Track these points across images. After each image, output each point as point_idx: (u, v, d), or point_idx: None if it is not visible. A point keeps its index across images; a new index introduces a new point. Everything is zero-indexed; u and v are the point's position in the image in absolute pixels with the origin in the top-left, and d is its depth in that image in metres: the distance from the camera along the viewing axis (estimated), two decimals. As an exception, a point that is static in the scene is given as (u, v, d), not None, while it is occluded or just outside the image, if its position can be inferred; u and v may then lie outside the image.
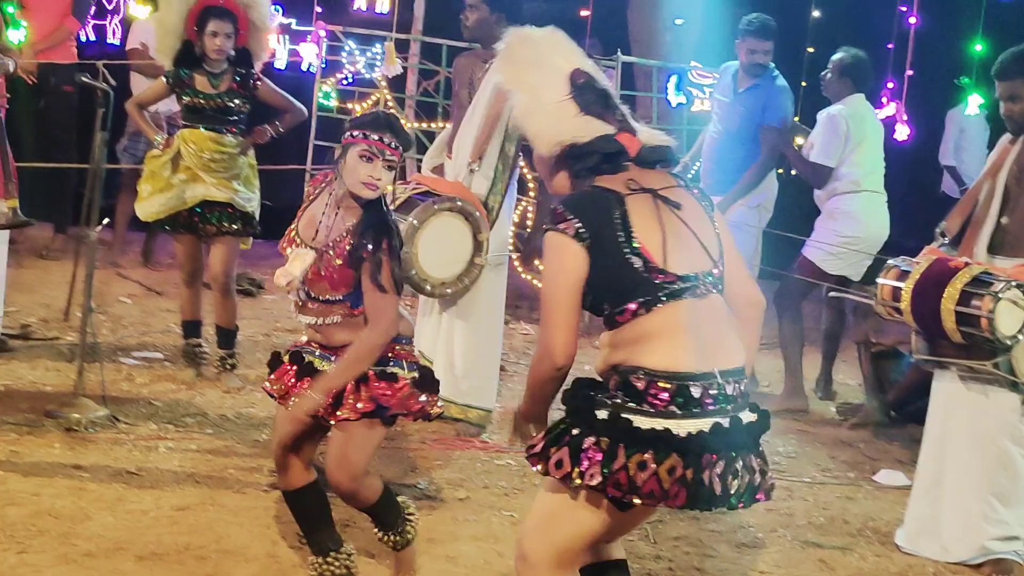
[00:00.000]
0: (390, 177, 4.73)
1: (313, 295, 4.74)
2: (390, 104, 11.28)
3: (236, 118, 7.82)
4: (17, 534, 5.21)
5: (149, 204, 7.81)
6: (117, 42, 12.98)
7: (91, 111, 7.32)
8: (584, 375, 3.99)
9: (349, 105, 11.57)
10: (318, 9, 12.08)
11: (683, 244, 3.79)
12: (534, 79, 3.99)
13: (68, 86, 10.52)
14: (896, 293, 5.89)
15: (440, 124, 10.75)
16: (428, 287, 7.12)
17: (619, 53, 11.12)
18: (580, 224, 3.75)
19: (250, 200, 7.86)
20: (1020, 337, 5.62)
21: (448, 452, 6.99)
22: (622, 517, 3.80)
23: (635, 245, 3.74)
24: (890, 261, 6.09)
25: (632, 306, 3.73)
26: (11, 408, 6.93)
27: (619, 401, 3.72)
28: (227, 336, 7.97)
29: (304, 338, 4.90)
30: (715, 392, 3.71)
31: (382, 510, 4.99)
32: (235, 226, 7.77)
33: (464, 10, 7.57)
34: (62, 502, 5.62)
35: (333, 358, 4.75)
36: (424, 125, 11.14)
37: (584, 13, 12.25)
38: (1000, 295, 5.53)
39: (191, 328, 8.09)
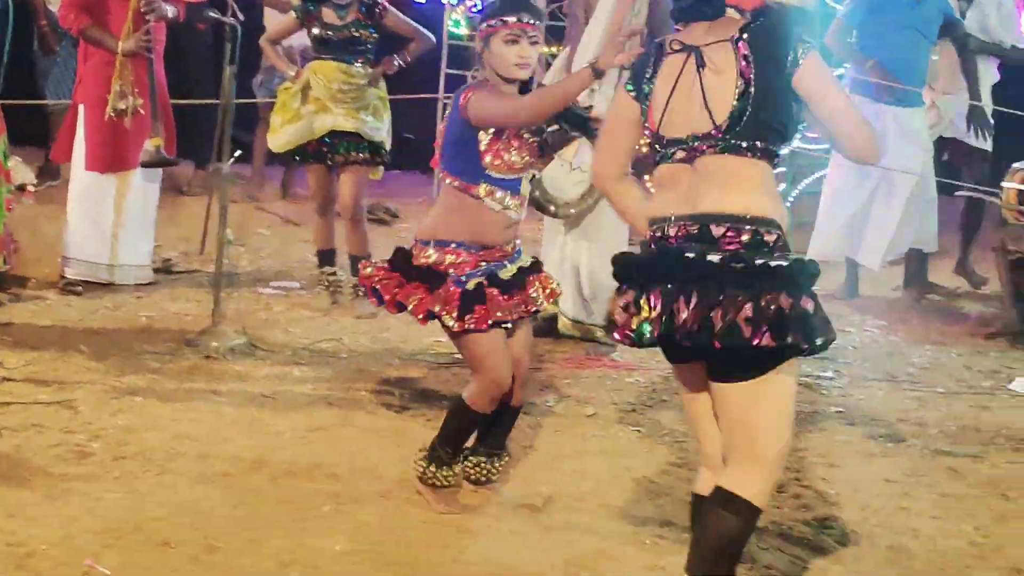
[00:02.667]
0: (536, 52, 4.88)
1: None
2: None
3: (364, 48, 7.92)
4: (156, 456, 5.37)
5: (280, 135, 7.97)
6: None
7: (224, 47, 7.48)
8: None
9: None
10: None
11: (686, 107, 3.74)
12: None
13: (201, 23, 10.68)
14: (1023, 196, 5.81)
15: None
16: (552, 208, 7.18)
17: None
18: (629, 80, 3.89)
19: (379, 130, 7.95)
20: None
21: (577, 371, 7.05)
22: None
23: (645, 107, 3.83)
24: (1015, 165, 6.01)
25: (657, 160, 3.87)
26: (153, 339, 7.14)
27: None
28: (360, 264, 8.07)
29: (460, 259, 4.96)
30: (659, 235, 3.74)
31: (512, 420, 5.21)
32: (363, 155, 7.88)
33: None
34: (199, 426, 5.78)
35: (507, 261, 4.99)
36: (554, 49, 11.13)
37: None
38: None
39: (325, 256, 8.24)
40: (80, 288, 7.99)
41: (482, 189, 4.88)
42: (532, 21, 4.82)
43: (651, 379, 6.91)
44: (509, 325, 4.97)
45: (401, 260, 5.06)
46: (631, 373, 7.04)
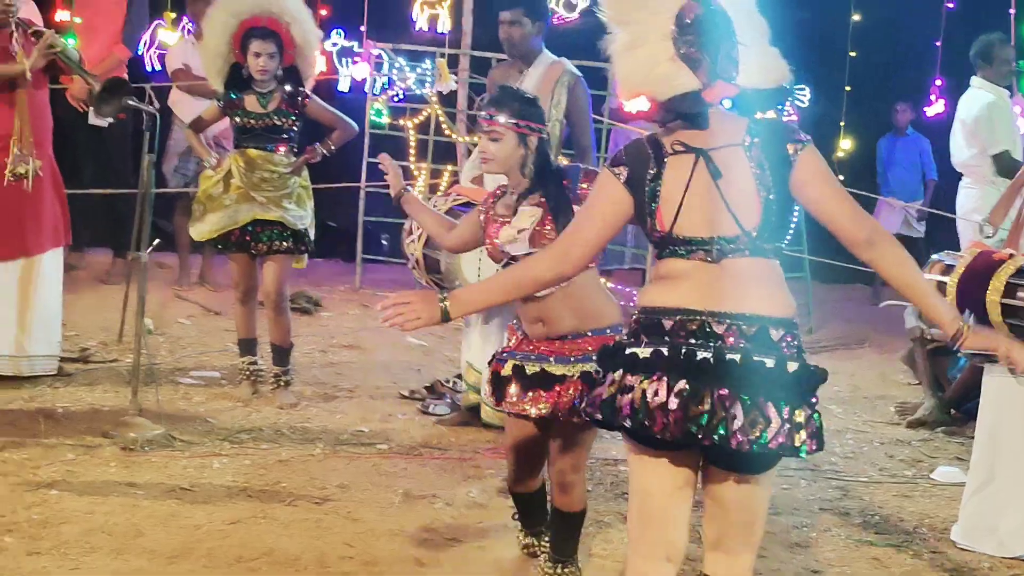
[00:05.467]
0: (494, 147, 4.96)
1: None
2: (442, 120, 11.34)
3: (286, 136, 7.90)
4: (71, 551, 5.26)
5: (202, 224, 7.91)
6: (156, 69, 13.02)
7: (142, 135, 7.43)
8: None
9: (401, 122, 11.63)
10: (364, 29, 12.18)
11: (705, 209, 3.71)
12: (637, 14, 3.80)
13: (121, 113, 10.63)
14: (941, 288, 5.85)
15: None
16: (458, 283, 7.16)
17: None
18: (627, 174, 3.81)
19: (302, 218, 7.91)
20: (1068, 328, 5.58)
21: (502, 460, 6.99)
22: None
23: (653, 207, 3.76)
24: (934, 256, 6.07)
25: (656, 251, 3.84)
26: (69, 430, 7.01)
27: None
28: (282, 354, 8.04)
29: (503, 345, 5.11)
30: (695, 328, 3.66)
31: (579, 523, 5.21)
32: (286, 244, 7.83)
33: (505, 28, 7.48)
34: (116, 519, 5.67)
35: (552, 357, 4.91)
36: (476, 139, 11.16)
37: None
38: (1046, 285, 5.49)
39: (247, 346, 8.16)
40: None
41: None
42: (488, 116, 4.97)
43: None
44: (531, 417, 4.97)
45: None
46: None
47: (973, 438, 6.32)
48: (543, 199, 4.92)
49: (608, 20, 3.87)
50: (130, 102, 7.49)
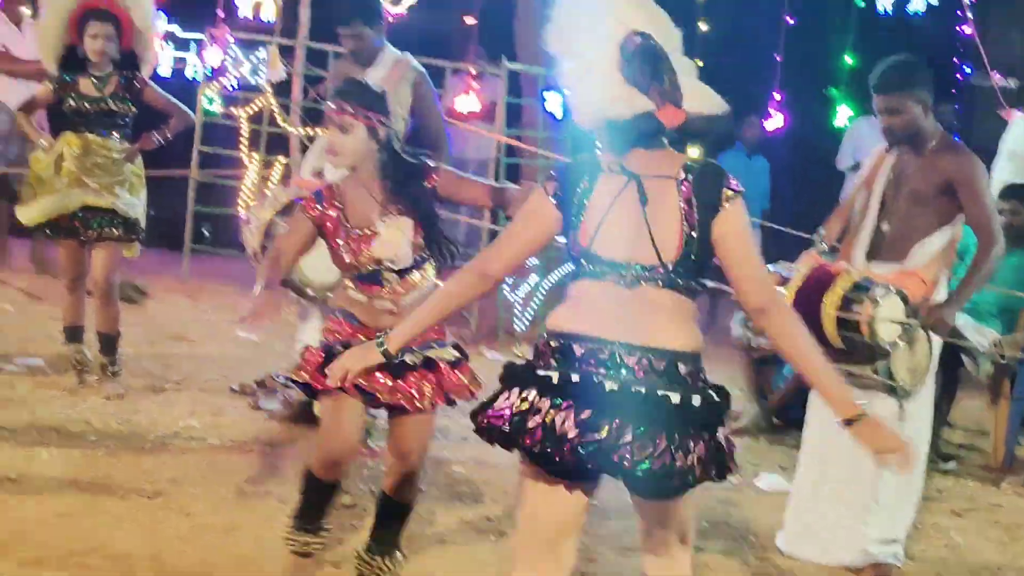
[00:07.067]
0: (342, 139, 4.93)
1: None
2: (275, 110, 11.23)
3: (121, 122, 7.77)
4: None
5: (31, 208, 7.74)
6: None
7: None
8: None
9: (233, 111, 11.49)
10: (219, 14, 11.98)
11: (626, 232, 3.76)
12: (582, 45, 3.87)
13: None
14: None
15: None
16: (310, 291, 7.10)
17: (504, 60, 11.16)
18: (558, 187, 3.85)
19: (134, 206, 7.78)
20: (899, 343, 5.73)
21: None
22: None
23: (578, 220, 3.80)
24: (770, 267, 6.16)
25: (572, 269, 3.88)
26: None
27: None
28: (109, 342, 7.89)
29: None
30: (604, 357, 3.70)
31: (404, 516, 5.21)
32: (117, 232, 7.69)
33: (347, 41, 7.34)
34: (-61, 510, 5.54)
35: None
36: (310, 131, 11.07)
37: (470, 20, 12.27)
38: (880, 300, 5.62)
39: (73, 333, 7.98)
40: None
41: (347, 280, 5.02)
42: (336, 107, 4.92)
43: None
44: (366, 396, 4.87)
45: None
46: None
47: (796, 446, 6.47)
48: (411, 208, 4.94)
49: (554, 51, 3.93)
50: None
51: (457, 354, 5.06)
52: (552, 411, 3.65)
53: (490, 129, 11.55)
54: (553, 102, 11.09)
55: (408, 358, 4.86)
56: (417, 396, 4.90)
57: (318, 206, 4.97)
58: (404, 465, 5.05)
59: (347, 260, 4.96)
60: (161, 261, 12.52)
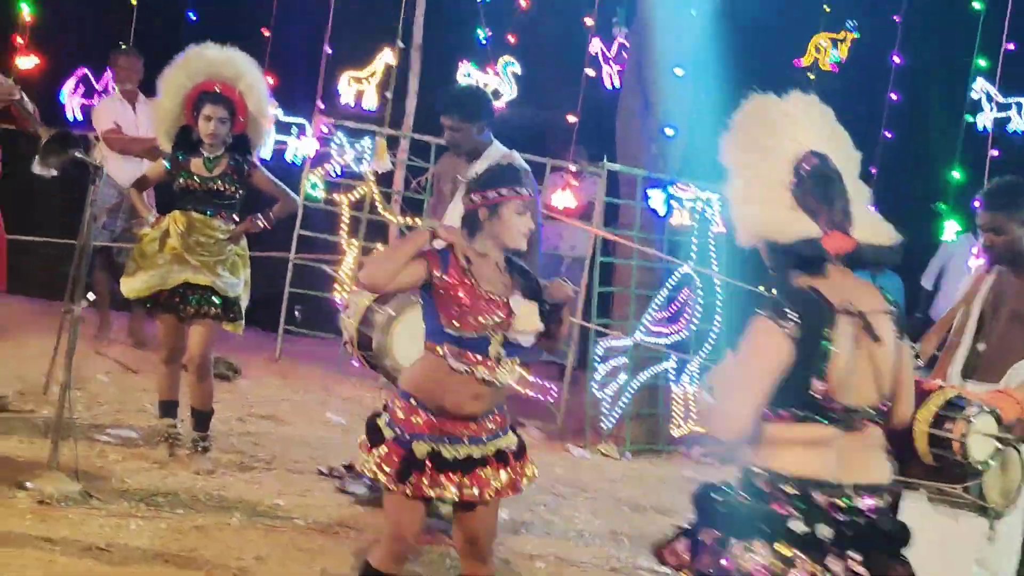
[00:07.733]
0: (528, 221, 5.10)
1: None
2: (377, 198, 11.37)
3: (228, 203, 7.92)
4: (-16, 605, 5.21)
5: (134, 281, 7.90)
6: (78, 119, 12.82)
7: (68, 186, 7.35)
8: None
9: (336, 197, 11.64)
10: (321, 105, 12.17)
11: (861, 376, 3.80)
12: (753, 161, 3.87)
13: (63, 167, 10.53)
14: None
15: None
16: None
17: (605, 160, 11.23)
18: (797, 325, 3.78)
19: (234, 286, 7.92)
20: (991, 463, 5.66)
21: (423, 544, 6.97)
22: None
23: (823, 366, 3.78)
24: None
25: (785, 413, 3.83)
26: (-17, 478, 6.92)
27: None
28: (202, 419, 8.00)
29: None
30: (843, 504, 3.77)
31: None
32: (215, 309, 7.82)
33: (448, 132, 7.46)
34: (31, 574, 5.60)
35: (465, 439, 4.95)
36: (409, 220, 11.20)
37: (572, 119, 12.38)
38: (973, 420, 5.58)
39: (167, 408, 8.10)
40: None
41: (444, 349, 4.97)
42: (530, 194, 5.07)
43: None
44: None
45: None
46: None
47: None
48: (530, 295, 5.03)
49: (726, 165, 3.95)
50: (77, 155, 7.44)
51: (518, 439, 5.15)
52: (811, 565, 3.73)
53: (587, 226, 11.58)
54: (656, 200, 11.09)
55: (476, 452, 4.91)
56: (485, 490, 4.97)
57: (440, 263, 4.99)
58: (474, 551, 5.10)
59: (469, 320, 4.92)
60: (255, 341, 12.66)
